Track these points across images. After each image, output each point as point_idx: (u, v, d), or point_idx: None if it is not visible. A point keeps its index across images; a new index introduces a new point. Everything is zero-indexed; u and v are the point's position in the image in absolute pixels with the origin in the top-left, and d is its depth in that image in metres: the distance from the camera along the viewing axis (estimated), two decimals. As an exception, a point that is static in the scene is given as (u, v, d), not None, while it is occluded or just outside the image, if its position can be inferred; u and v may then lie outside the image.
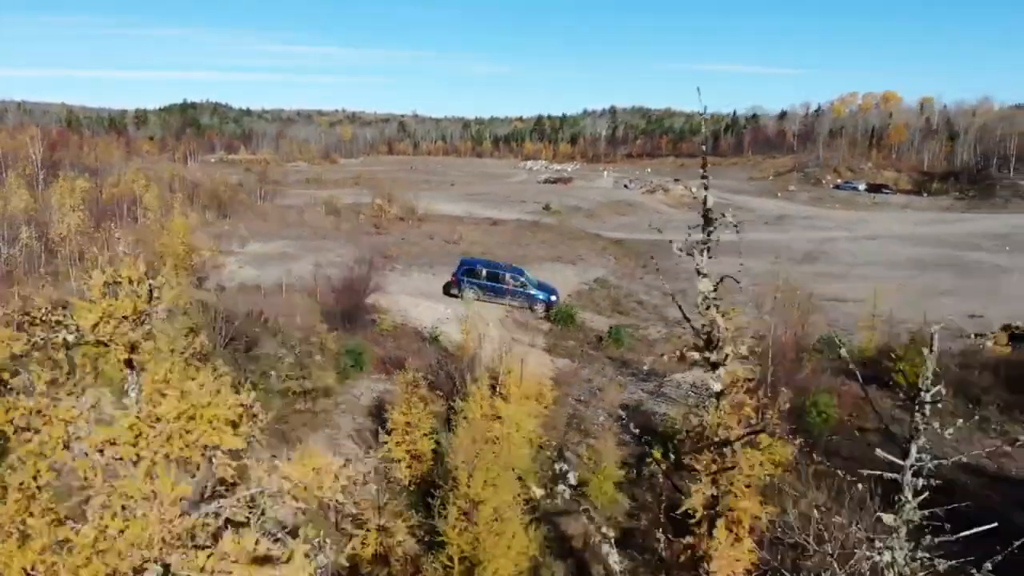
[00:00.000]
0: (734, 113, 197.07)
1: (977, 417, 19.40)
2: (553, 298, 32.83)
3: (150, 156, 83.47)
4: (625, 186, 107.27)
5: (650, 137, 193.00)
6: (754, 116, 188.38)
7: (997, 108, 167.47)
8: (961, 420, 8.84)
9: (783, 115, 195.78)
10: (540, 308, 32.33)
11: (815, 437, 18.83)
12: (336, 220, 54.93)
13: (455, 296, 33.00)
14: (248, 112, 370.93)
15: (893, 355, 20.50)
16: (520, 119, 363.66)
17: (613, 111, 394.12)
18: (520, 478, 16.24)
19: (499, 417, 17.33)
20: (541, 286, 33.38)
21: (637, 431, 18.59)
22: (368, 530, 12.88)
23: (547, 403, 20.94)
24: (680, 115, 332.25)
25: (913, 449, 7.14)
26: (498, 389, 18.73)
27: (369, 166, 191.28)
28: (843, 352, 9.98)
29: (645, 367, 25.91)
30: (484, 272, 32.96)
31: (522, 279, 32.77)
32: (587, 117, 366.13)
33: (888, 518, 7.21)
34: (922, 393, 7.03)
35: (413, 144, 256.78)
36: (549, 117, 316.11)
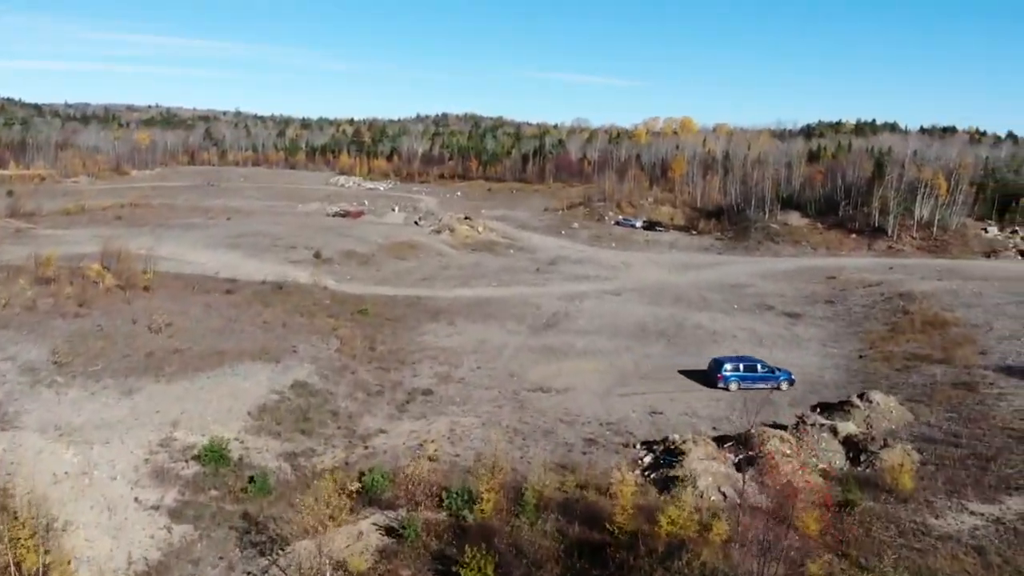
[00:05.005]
0: (540, 143, 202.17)
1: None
2: (792, 377, 41.60)
3: None
4: (416, 223, 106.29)
5: (463, 158, 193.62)
6: (560, 142, 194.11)
7: (770, 135, 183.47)
8: None
9: (590, 138, 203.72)
10: (785, 386, 40.84)
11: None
12: (40, 291, 49.09)
13: (720, 389, 40.51)
14: (40, 110, 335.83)
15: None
16: (350, 121, 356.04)
17: (445, 118, 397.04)
18: None
19: None
20: (780, 369, 42.10)
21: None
22: None
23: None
24: (510, 124, 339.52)
25: None
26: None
27: (163, 180, 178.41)
28: None
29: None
30: (742, 366, 41.36)
31: (767, 367, 41.68)
32: (418, 122, 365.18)
33: None
34: None
35: (220, 152, 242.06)
36: (371, 125, 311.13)
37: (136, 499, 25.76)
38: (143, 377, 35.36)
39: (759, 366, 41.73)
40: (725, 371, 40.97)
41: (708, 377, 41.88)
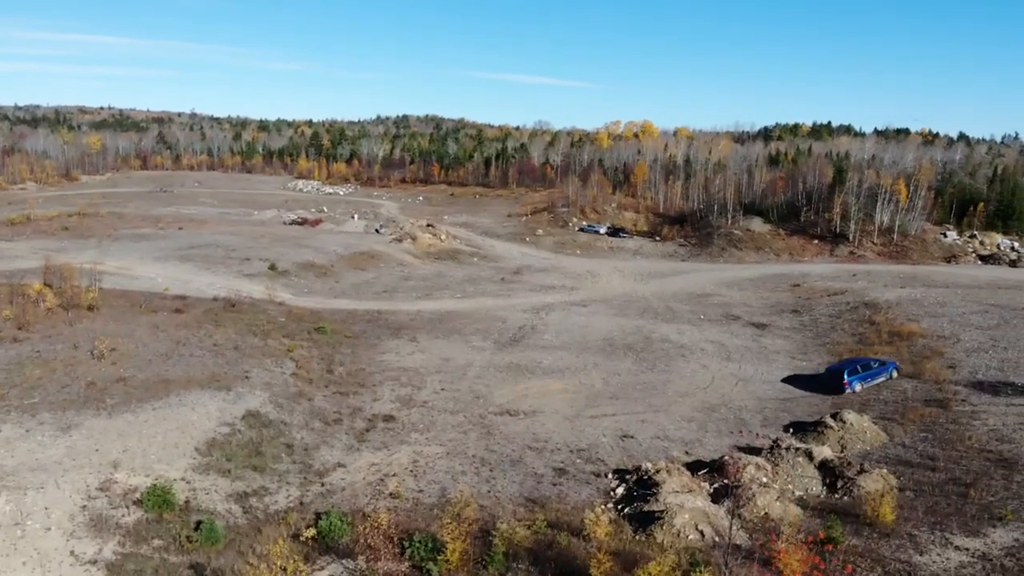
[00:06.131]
0: (502, 147, 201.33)
1: None
2: (898, 365, 44.27)
3: None
4: (376, 231, 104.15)
5: (424, 162, 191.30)
6: (522, 146, 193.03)
7: (730, 138, 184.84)
8: None
9: (553, 141, 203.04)
10: (895, 374, 43.35)
11: None
12: (-27, 315, 46.27)
13: (848, 394, 41.61)
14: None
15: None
16: (309, 123, 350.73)
17: (405, 119, 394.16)
18: None
19: None
20: (887, 361, 44.48)
21: None
22: None
23: None
24: (472, 126, 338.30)
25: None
26: None
27: (113, 187, 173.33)
28: None
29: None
30: (859, 367, 43.10)
31: (877, 361, 44.21)
32: (378, 124, 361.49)
33: None
34: None
35: (174, 156, 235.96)
36: (330, 128, 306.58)
37: (72, 552, 23.63)
38: (83, 410, 33.03)
39: (872, 363, 43.85)
40: (848, 377, 42.35)
41: (826, 384, 43.19)
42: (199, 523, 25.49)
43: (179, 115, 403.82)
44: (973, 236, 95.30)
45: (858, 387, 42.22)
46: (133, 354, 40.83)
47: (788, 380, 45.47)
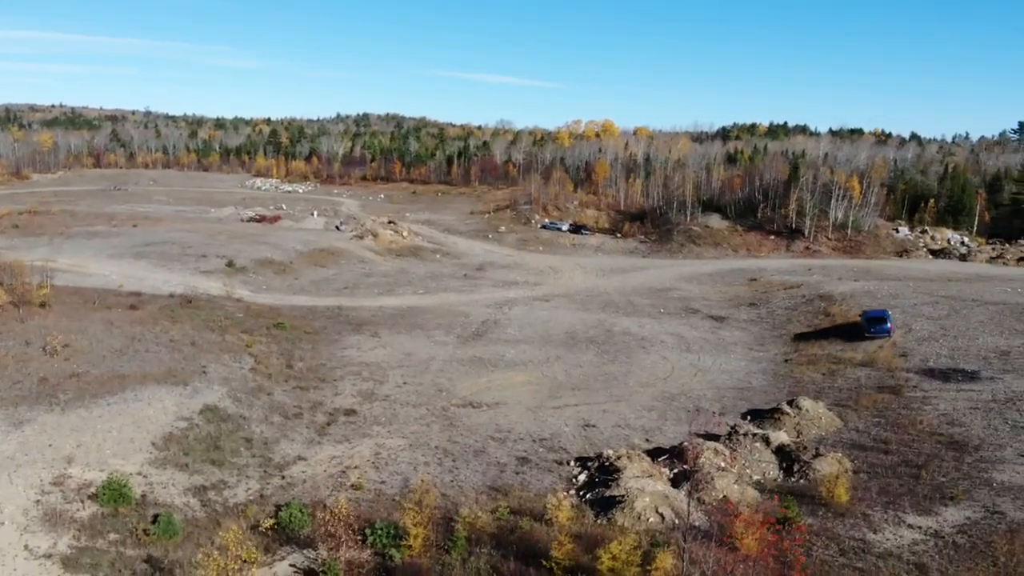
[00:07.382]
0: (464, 145, 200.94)
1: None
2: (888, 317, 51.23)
3: None
4: (337, 227, 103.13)
5: (385, 160, 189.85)
6: (484, 144, 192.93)
7: (689, 138, 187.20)
8: None
9: (515, 140, 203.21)
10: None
11: None
12: (-83, 312, 44.74)
13: (875, 337, 48.84)
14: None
15: None
16: (267, 121, 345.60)
17: (366, 118, 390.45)
18: None
19: None
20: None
21: None
22: None
23: None
24: (433, 125, 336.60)
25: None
26: None
27: (65, 185, 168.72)
28: None
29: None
30: (884, 317, 50.21)
31: (887, 314, 51.41)
32: (338, 122, 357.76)
33: None
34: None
35: (128, 154, 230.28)
36: (288, 125, 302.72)
37: (26, 546, 23.06)
38: (36, 406, 32.19)
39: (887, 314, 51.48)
40: (890, 323, 49.48)
41: (865, 330, 49.62)
42: (156, 516, 25.06)
43: (133, 113, 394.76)
44: (924, 231, 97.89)
45: (893, 331, 49.16)
46: (87, 350, 39.88)
47: (799, 337, 52.82)
